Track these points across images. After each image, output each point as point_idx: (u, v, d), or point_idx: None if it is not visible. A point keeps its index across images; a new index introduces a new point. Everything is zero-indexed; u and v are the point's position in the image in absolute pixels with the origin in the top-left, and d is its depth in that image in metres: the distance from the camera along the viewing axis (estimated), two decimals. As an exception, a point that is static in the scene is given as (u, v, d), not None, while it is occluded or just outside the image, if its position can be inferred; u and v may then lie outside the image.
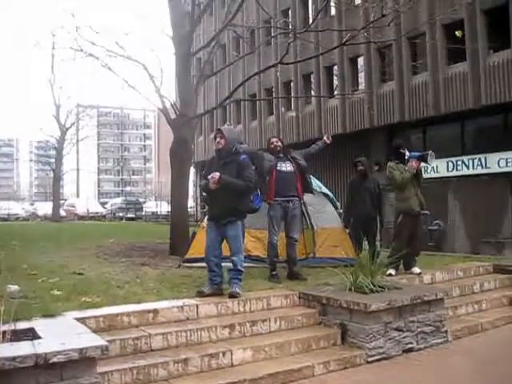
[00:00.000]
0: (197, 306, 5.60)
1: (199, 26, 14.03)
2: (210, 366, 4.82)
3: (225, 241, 6.26)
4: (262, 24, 22.75)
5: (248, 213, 6.41)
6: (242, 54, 19.79)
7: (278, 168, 7.49)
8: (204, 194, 6.83)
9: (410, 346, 5.83)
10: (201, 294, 5.94)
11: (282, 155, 7.66)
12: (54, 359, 3.52)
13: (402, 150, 8.17)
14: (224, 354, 4.92)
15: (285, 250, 7.62)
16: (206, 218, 6.79)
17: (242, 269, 6.17)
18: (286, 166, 7.56)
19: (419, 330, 5.95)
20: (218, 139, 6.19)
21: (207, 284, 6.16)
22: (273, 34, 17.35)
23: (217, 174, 5.96)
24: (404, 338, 5.80)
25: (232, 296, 5.90)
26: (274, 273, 7.33)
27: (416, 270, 7.98)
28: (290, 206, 7.46)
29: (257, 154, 6.84)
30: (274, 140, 7.83)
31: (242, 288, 6.16)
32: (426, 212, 8.23)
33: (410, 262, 8.05)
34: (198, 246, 8.37)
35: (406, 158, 8.10)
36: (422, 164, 8.15)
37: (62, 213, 39.09)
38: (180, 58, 11.59)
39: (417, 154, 8.18)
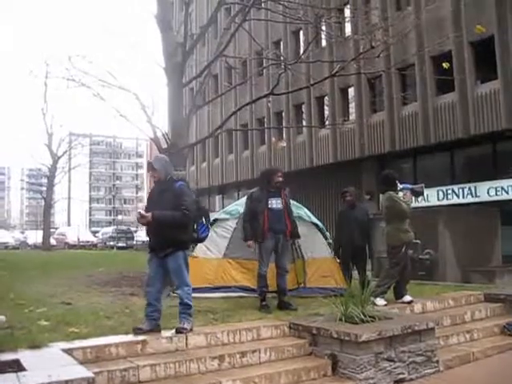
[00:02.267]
0: (186, 336, 5.54)
1: (192, 57, 14.17)
2: (199, 398, 4.76)
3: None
4: (253, 55, 23.08)
5: (193, 242, 6.20)
6: (234, 84, 19.98)
7: (269, 206, 7.50)
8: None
9: (401, 376, 5.77)
10: (139, 331, 5.50)
11: (277, 190, 7.66)
12: (39, 392, 3.46)
13: (397, 182, 8.26)
14: (213, 385, 4.86)
15: (275, 280, 7.59)
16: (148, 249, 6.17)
17: (190, 302, 5.77)
18: (277, 203, 7.54)
19: (410, 360, 5.90)
20: (150, 172, 6.06)
21: (145, 320, 5.72)
22: (264, 65, 17.58)
23: (148, 215, 5.68)
24: (395, 368, 5.74)
25: (178, 332, 5.54)
26: (264, 303, 7.29)
27: (407, 298, 7.97)
28: (281, 238, 7.51)
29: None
30: (280, 175, 7.70)
31: (192, 323, 5.78)
32: (417, 241, 8.28)
33: (401, 291, 8.06)
34: (188, 276, 8.35)
35: (399, 189, 8.20)
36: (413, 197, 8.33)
37: (53, 241, 38.79)
38: (172, 88, 11.68)
39: (409, 186, 8.31)
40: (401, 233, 7.96)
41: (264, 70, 20.38)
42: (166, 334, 5.55)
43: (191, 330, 5.67)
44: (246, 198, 7.80)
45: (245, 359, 5.47)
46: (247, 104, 14.04)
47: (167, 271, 5.83)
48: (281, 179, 7.70)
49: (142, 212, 5.81)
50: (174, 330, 5.64)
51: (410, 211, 8.08)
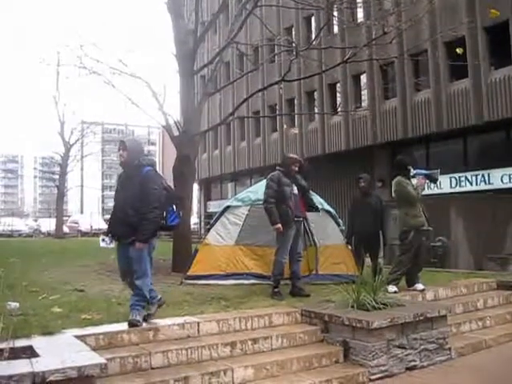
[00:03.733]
0: (198, 323, 5.55)
1: (203, 44, 14.11)
2: (211, 384, 4.77)
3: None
4: (265, 41, 22.90)
5: (161, 230, 5.77)
6: (246, 71, 19.90)
7: (294, 192, 7.57)
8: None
9: (413, 363, 5.77)
10: (148, 317, 5.48)
11: (292, 178, 7.68)
12: (52, 378, 3.48)
13: (409, 167, 8.20)
14: (225, 372, 4.87)
15: (287, 266, 7.58)
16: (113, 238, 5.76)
17: (147, 294, 5.45)
18: (295, 189, 7.61)
19: (422, 347, 5.89)
20: (120, 152, 5.61)
21: (148, 305, 5.56)
22: (276, 52, 17.47)
23: (141, 246, 5.33)
24: (407, 355, 5.73)
25: (131, 324, 5.21)
26: (276, 290, 7.28)
27: (420, 286, 7.93)
28: (299, 224, 7.62)
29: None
30: (296, 166, 7.67)
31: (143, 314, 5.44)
32: (429, 228, 8.21)
33: (413, 279, 8.02)
34: (201, 264, 8.40)
35: (412, 174, 8.14)
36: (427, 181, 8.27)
37: (66, 229, 39.08)
38: (183, 75, 11.65)
39: (423, 171, 8.25)
40: (409, 217, 7.89)
41: (276, 57, 20.19)
42: (177, 320, 5.56)
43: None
44: (267, 181, 7.59)
45: (256, 346, 5.47)
46: (259, 91, 13.98)
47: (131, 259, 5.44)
48: (296, 169, 7.67)
49: (138, 245, 5.37)
50: (185, 317, 5.67)
51: (419, 197, 7.98)
